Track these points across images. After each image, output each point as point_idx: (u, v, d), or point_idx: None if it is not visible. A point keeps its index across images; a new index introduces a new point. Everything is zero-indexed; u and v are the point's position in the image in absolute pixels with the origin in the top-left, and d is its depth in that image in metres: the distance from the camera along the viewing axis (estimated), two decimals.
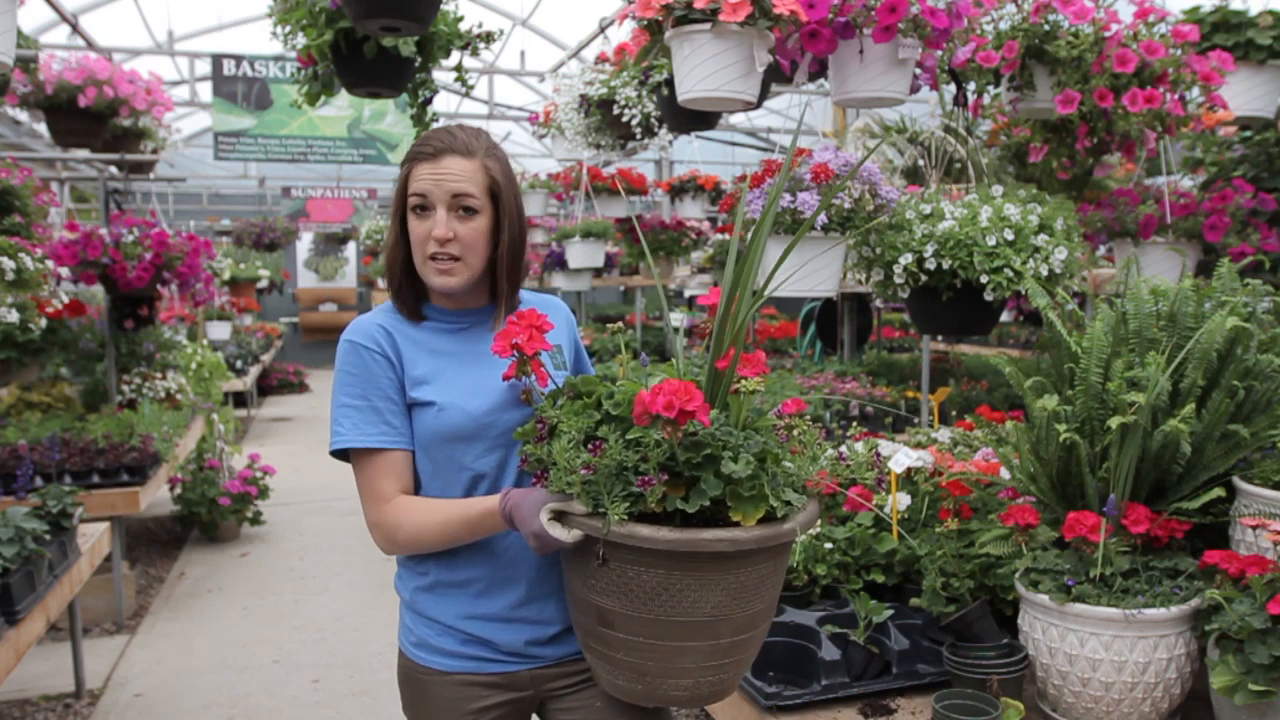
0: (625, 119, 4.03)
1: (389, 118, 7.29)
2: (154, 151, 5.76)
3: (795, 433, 1.47)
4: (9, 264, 3.18)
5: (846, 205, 2.67)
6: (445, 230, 1.56)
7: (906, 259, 2.60)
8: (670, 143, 6.79)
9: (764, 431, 1.45)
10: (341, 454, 1.62)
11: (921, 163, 3.11)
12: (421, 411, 1.59)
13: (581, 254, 6.95)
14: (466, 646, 1.62)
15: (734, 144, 9.42)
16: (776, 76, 2.84)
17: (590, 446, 1.34)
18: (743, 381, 1.43)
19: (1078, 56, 2.79)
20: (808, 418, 1.50)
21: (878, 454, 2.64)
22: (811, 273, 2.67)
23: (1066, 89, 2.80)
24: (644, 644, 1.40)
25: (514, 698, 1.64)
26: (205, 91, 7.72)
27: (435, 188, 1.56)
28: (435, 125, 3.56)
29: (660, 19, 2.39)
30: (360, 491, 1.61)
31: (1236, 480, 1.93)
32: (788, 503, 1.39)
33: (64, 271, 4.60)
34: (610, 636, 1.43)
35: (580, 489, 1.35)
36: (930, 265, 2.57)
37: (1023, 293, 2.41)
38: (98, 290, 5.47)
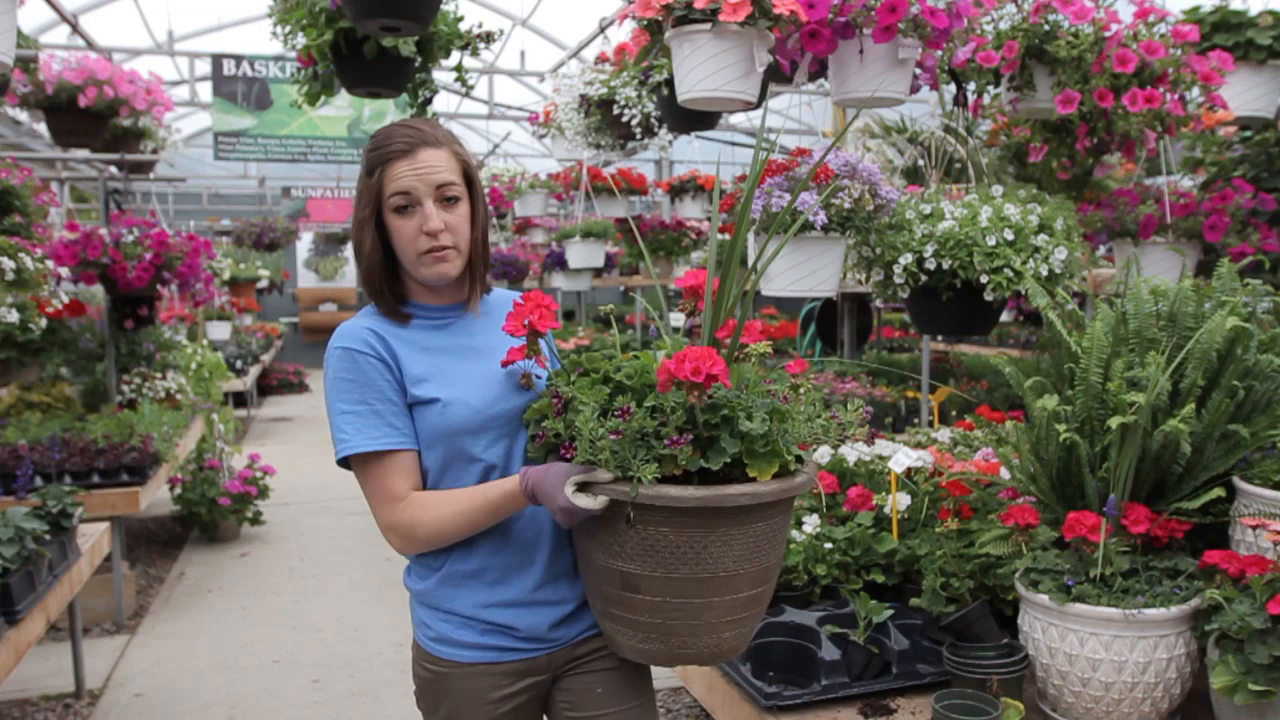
0: (625, 119, 4.02)
1: (389, 118, 7.28)
2: (154, 151, 5.76)
3: (800, 391, 1.53)
4: (9, 264, 3.17)
5: (846, 205, 2.67)
6: (438, 222, 1.56)
7: (906, 259, 2.60)
8: (670, 143, 6.78)
9: (762, 396, 1.51)
10: (344, 462, 1.59)
11: (921, 163, 3.11)
12: (425, 409, 1.58)
13: (581, 254, 6.96)
14: (486, 636, 1.62)
15: (734, 144, 9.40)
16: (776, 76, 2.84)
17: (618, 412, 1.38)
18: (748, 347, 1.48)
19: (1078, 56, 2.79)
20: (810, 377, 1.56)
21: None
22: (811, 273, 2.67)
23: (1066, 89, 2.80)
24: (669, 604, 1.44)
25: (533, 682, 1.66)
26: (205, 91, 7.71)
27: (419, 182, 1.56)
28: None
29: (660, 19, 2.39)
30: (369, 496, 1.59)
31: (1236, 480, 1.93)
32: (798, 457, 1.46)
33: (64, 271, 4.59)
34: (635, 601, 1.47)
35: (609, 455, 1.39)
36: (930, 265, 2.57)
37: (1023, 293, 2.41)
38: (98, 290, 5.47)
